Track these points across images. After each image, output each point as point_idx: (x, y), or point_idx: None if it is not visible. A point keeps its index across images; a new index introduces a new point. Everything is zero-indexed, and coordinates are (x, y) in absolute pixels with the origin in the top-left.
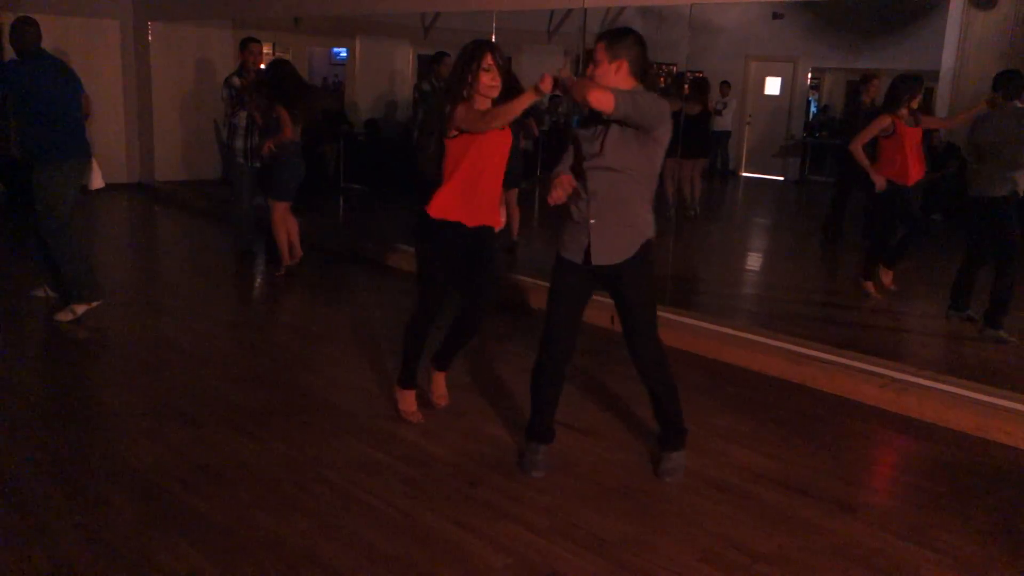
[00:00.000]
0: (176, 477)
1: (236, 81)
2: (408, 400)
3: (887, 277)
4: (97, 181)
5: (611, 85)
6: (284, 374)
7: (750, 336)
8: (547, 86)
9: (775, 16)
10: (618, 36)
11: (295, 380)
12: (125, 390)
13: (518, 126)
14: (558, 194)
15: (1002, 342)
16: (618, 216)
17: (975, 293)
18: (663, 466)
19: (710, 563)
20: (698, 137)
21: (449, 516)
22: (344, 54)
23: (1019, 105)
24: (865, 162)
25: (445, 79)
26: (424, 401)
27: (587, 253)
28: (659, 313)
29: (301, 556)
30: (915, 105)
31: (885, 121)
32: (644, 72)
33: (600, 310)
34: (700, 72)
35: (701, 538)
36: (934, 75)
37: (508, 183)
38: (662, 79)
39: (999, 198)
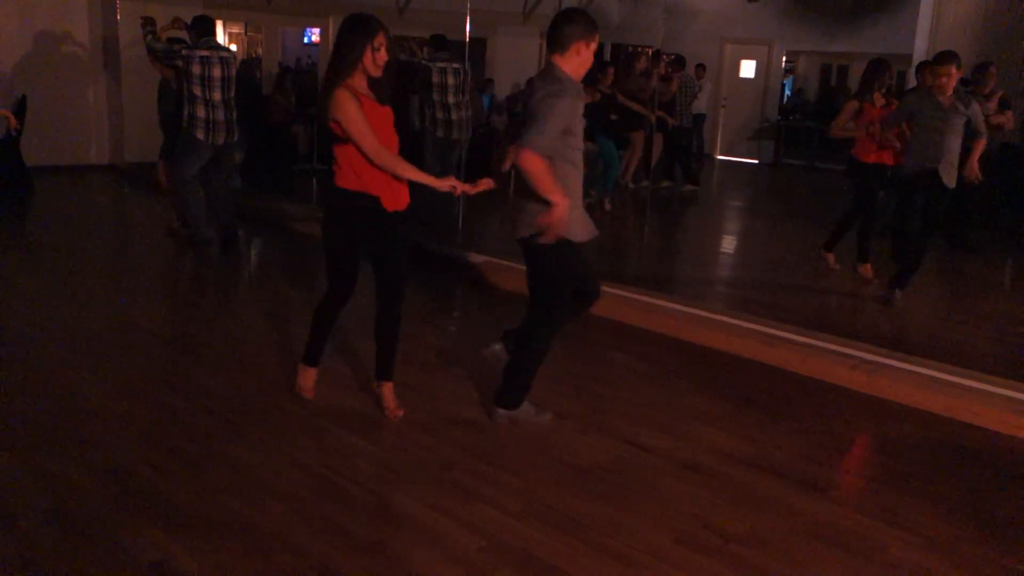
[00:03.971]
0: (147, 461)
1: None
2: (307, 376)
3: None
4: None
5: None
6: (258, 359)
7: (724, 318)
8: (445, 187)
9: None
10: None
11: (269, 365)
12: (96, 374)
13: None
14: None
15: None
16: None
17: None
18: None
19: (684, 544)
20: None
21: (423, 499)
22: (315, 37)
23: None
24: None
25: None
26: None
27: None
28: (635, 296)
29: (274, 540)
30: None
31: None
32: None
33: None
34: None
35: (675, 520)
36: (907, 59)
37: None
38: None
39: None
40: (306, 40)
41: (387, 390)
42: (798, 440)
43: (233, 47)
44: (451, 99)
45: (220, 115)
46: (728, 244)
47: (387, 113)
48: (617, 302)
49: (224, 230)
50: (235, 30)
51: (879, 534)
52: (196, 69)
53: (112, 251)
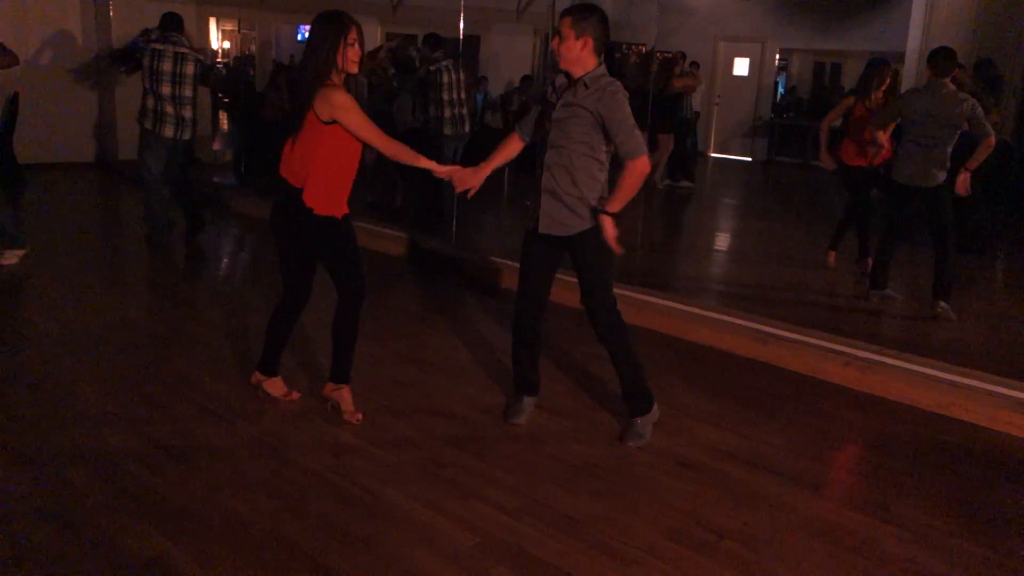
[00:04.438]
0: (141, 459)
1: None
2: (278, 385)
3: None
4: None
5: (577, 60)
6: (251, 355)
7: (717, 316)
8: (442, 173)
9: None
10: (585, 13)
11: None
12: (89, 371)
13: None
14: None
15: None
16: (564, 189)
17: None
18: (625, 432)
19: (677, 541)
20: (669, 113)
21: (417, 496)
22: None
23: (949, 84)
24: None
25: (304, 56)
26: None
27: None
28: (628, 293)
29: (268, 538)
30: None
31: None
32: (604, 51)
33: (572, 290)
34: (669, 52)
35: (668, 516)
36: (900, 56)
37: None
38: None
39: (944, 186)
40: (299, 37)
41: (346, 393)
42: (791, 437)
43: (227, 44)
44: (455, 95)
45: (168, 108)
46: (722, 241)
47: None
48: None
49: (189, 221)
50: (229, 27)
51: (871, 530)
52: (145, 61)
53: (104, 249)
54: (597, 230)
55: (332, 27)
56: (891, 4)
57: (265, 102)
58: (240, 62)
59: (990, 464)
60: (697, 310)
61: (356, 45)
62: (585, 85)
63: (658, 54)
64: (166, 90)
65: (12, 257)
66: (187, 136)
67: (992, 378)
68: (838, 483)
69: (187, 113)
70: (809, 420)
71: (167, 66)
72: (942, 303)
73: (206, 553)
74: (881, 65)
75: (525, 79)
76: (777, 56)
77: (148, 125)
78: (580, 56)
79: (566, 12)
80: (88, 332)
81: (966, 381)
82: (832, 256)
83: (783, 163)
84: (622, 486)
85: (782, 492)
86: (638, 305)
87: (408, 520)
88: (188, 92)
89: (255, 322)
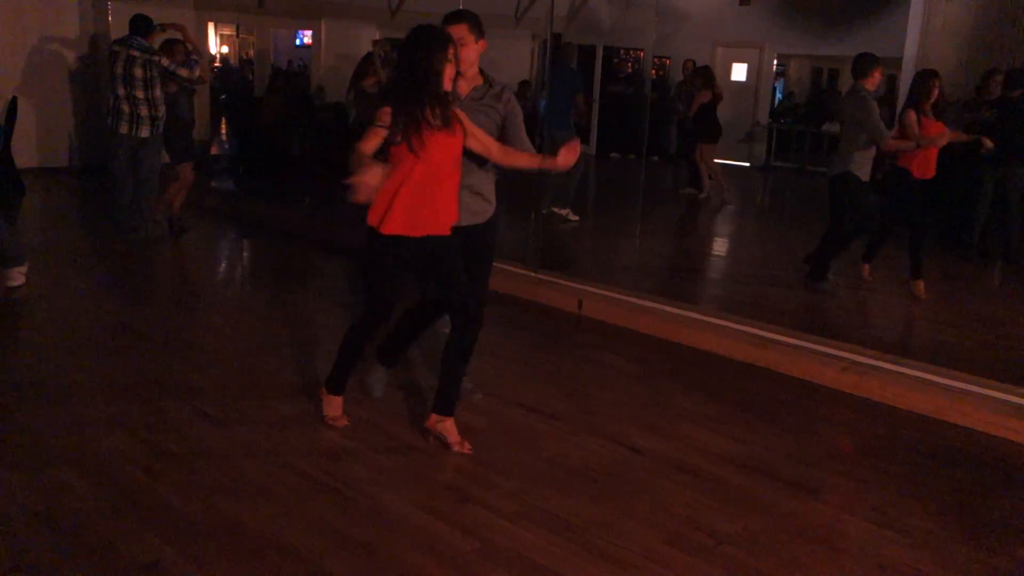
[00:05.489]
0: (138, 463)
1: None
2: (335, 405)
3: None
4: None
5: (474, 63)
6: (248, 359)
7: (715, 321)
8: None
9: (742, 2)
10: (477, 19)
11: (259, 365)
12: (84, 375)
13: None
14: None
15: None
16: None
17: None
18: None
19: (676, 545)
20: (714, 122)
21: (416, 501)
22: (307, 39)
23: (859, 85)
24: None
25: (396, 69)
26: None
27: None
28: (628, 298)
29: (266, 542)
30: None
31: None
32: None
33: (566, 295)
34: (668, 59)
35: (667, 521)
36: (897, 62)
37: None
38: (628, 64)
39: (836, 176)
40: (298, 43)
41: (451, 424)
42: (789, 441)
43: (225, 49)
44: None
45: (124, 106)
46: (720, 246)
47: (452, 143)
48: (607, 304)
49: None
50: (227, 32)
51: (869, 534)
52: (108, 62)
53: (101, 253)
54: (497, 216)
55: (433, 44)
56: (888, 10)
57: (263, 107)
58: (228, 65)
59: (988, 469)
60: (695, 315)
61: (454, 63)
62: (490, 84)
63: (689, 63)
64: (121, 91)
65: (19, 277)
66: (144, 134)
67: (990, 383)
68: (836, 488)
69: (143, 112)
70: (807, 425)
71: (119, 68)
72: (817, 283)
73: (204, 557)
74: (929, 74)
75: (523, 84)
76: (775, 61)
77: (108, 122)
78: (476, 59)
79: (460, 19)
80: (83, 336)
81: (964, 386)
82: (867, 269)
83: (781, 168)
84: (620, 490)
85: (780, 497)
86: (635, 310)
87: (407, 525)
88: (140, 94)
89: (253, 326)
